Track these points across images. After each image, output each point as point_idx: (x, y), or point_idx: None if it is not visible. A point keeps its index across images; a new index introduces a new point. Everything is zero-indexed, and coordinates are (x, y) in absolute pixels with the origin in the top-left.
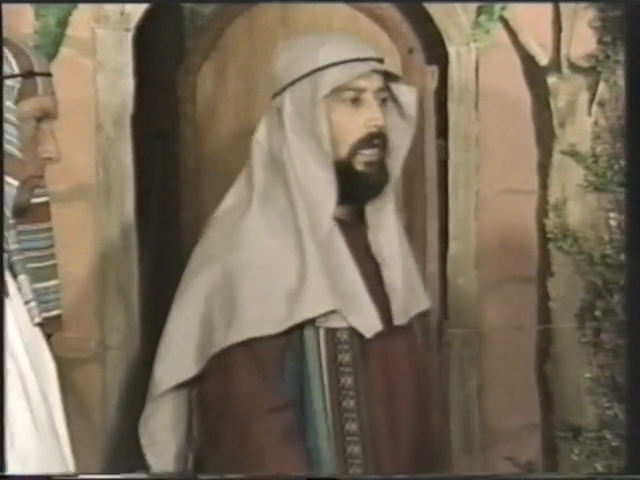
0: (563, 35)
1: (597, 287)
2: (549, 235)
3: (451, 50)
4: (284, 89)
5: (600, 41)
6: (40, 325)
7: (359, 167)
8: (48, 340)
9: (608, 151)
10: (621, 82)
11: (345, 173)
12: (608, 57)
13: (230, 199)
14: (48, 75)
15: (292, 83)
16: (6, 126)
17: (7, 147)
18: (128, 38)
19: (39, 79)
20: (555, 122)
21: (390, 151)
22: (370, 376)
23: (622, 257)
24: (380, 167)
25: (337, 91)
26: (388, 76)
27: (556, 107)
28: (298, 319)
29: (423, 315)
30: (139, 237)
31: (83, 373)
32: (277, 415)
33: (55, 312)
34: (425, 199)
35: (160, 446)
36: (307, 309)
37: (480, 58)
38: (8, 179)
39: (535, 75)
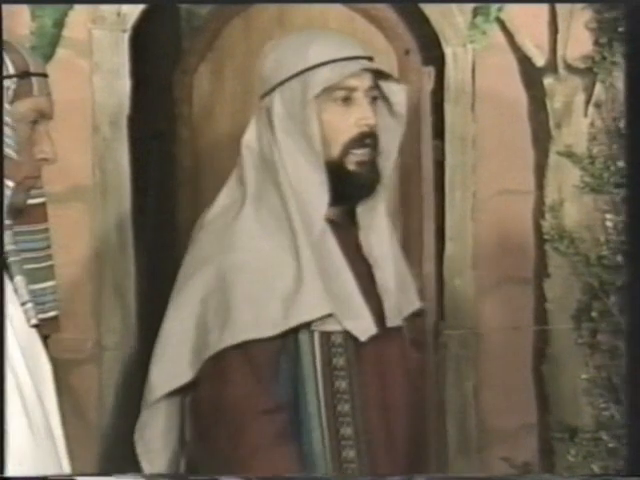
0: (559, 36)
1: (593, 288)
2: (545, 236)
3: (447, 51)
4: (273, 89)
5: (596, 42)
6: (36, 326)
7: (351, 167)
8: (45, 341)
9: (604, 152)
10: (617, 83)
11: (337, 173)
12: (604, 58)
13: (222, 200)
14: (44, 75)
15: (281, 83)
16: None
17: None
18: (124, 39)
19: (34, 79)
20: (551, 123)
21: (381, 150)
22: (364, 379)
23: (618, 258)
24: (371, 167)
25: (328, 90)
26: (378, 74)
27: (552, 108)
28: (294, 322)
29: (418, 315)
30: (136, 238)
31: (79, 374)
32: (270, 417)
33: (52, 313)
34: (421, 200)
35: (155, 453)
36: (304, 313)
37: (476, 59)
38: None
39: (531, 76)
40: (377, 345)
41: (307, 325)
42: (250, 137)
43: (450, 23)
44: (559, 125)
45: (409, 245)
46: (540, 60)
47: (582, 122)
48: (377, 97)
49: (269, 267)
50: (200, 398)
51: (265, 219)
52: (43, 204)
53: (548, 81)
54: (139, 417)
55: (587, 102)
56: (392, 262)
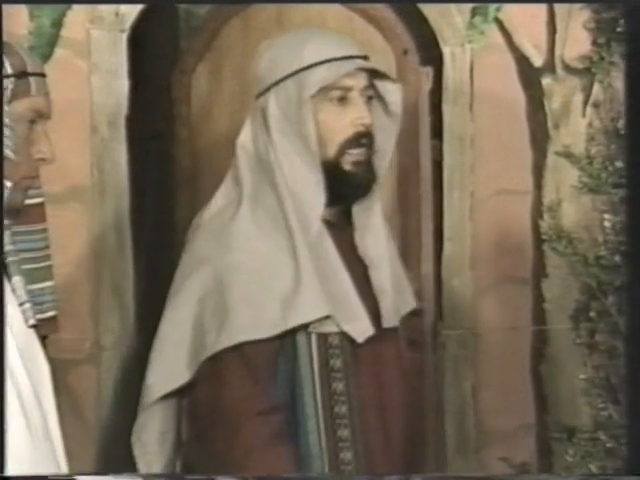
0: (557, 36)
1: (591, 288)
2: (544, 236)
3: (446, 51)
4: (268, 89)
5: (594, 42)
6: (34, 327)
7: (347, 167)
8: (43, 342)
9: (602, 152)
10: (616, 83)
11: (333, 173)
12: (602, 58)
13: (218, 201)
14: (41, 75)
15: (276, 83)
16: None
17: None
18: (123, 39)
19: (32, 79)
20: (549, 123)
21: (376, 150)
22: (361, 381)
23: (617, 258)
24: (367, 166)
25: (324, 90)
26: (373, 73)
27: (550, 108)
28: (292, 324)
29: (417, 315)
30: (134, 238)
31: (78, 374)
32: (265, 418)
33: (50, 313)
34: (420, 200)
35: (152, 455)
36: (301, 314)
37: (475, 59)
38: None
39: (529, 76)
40: (373, 346)
41: (305, 327)
42: (245, 137)
43: (448, 23)
44: (557, 125)
45: (407, 245)
46: (538, 60)
47: (580, 122)
48: (372, 96)
49: (266, 268)
50: (197, 400)
51: (262, 220)
52: (41, 204)
53: (546, 81)
54: (136, 419)
55: (585, 102)
56: (388, 262)
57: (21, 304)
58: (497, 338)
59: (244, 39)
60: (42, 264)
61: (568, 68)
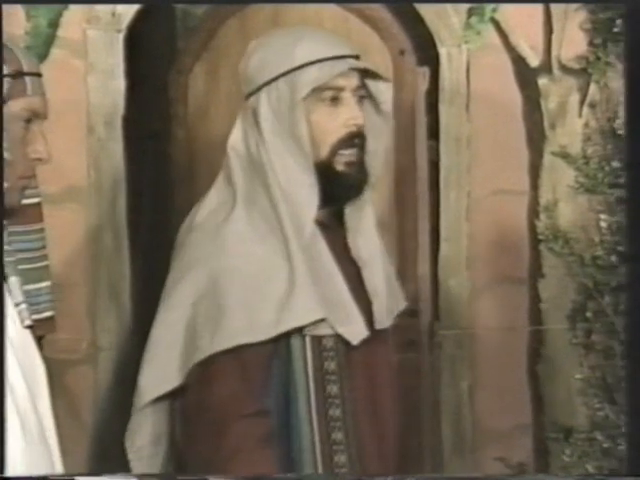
0: (554, 37)
1: (588, 288)
2: (540, 236)
3: (442, 51)
4: (259, 89)
5: (591, 43)
6: (30, 327)
7: (339, 168)
8: (39, 342)
9: (599, 152)
10: (612, 84)
11: (325, 174)
12: (599, 59)
13: (211, 202)
14: (37, 75)
15: (267, 83)
16: None
17: None
18: (119, 39)
19: (28, 79)
20: (546, 123)
21: (368, 150)
22: (354, 383)
23: (613, 259)
24: (360, 167)
25: (316, 91)
26: (364, 73)
27: (547, 108)
28: (287, 327)
29: (413, 316)
30: (131, 238)
31: (75, 374)
32: (253, 421)
33: (47, 314)
34: (416, 200)
35: (146, 460)
36: (296, 317)
37: (471, 59)
38: None
39: (526, 77)
40: (366, 348)
41: (299, 330)
42: (236, 138)
43: (445, 23)
44: (553, 125)
45: (404, 245)
46: (534, 60)
47: (576, 122)
48: (364, 96)
49: (261, 271)
50: (189, 403)
51: (256, 222)
52: (38, 204)
53: (542, 81)
54: (129, 422)
55: (581, 102)
56: (380, 263)
57: (17, 304)
58: (494, 338)
59: (241, 39)
60: (39, 264)
61: (564, 68)
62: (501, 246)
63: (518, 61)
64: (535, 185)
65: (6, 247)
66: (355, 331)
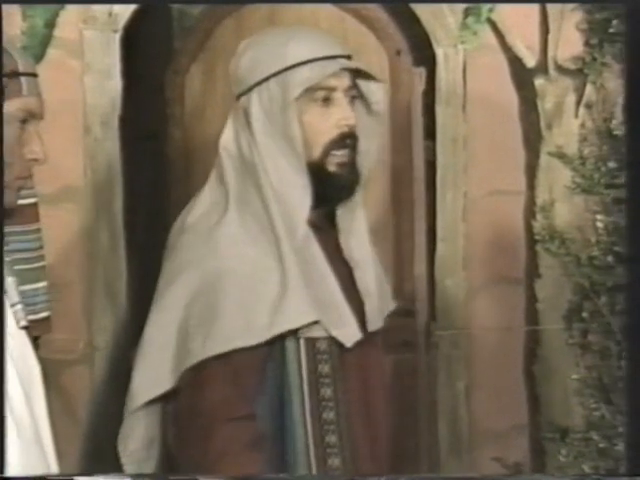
0: (550, 37)
1: (584, 289)
2: (536, 237)
3: (438, 52)
4: (250, 89)
5: (587, 43)
6: (26, 328)
7: (331, 168)
8: (35, 342)
9: (595, 153)
10: (608, 84)
11: (318, 175)
12: (595, 59)
13: (203, 203)
14: (33, 75)
15: (259, 83)
16: None
17: None
18: (116, 39)
19: (23, 79)
20: (542, 124)
21: (360, 151)
22: (348, 385)
23: (609, 259)
24: (351, 168)
25: (308, 91)
26: (356, 73)
27: (543, 109)
28: (280, 330)
29: (410, 316)
30: (127, 238)
31: (71, 374)
32: (241, 424)
33: (43, 314)
34: (413, 200)
35: (140, 463)
36: (289, 320)
37: (467, 60)
38: None
39: (522, 77)
40: (359, 350)
41: (294, 332)
42: (228, 138)
43: (441, 24)
44: (550, 126)
45: (400, 245)
46: (531, 61)
47: (573, 123)
48: (356, 96)
49: (254, 274)
50: (180, 406)
51: (249, 224)
52: (35, 204)
53: (539, 82)
54: (121, 426)
55: (578, 103)
56: (372, 264)
57: (12, 305)
58: (490, 338)
59: (237, 39)
60: (35, 264)
61: (561, 69)
62: (497, 246)
63: (514, 61)
64: (531, 185)
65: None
66: (349, 333)
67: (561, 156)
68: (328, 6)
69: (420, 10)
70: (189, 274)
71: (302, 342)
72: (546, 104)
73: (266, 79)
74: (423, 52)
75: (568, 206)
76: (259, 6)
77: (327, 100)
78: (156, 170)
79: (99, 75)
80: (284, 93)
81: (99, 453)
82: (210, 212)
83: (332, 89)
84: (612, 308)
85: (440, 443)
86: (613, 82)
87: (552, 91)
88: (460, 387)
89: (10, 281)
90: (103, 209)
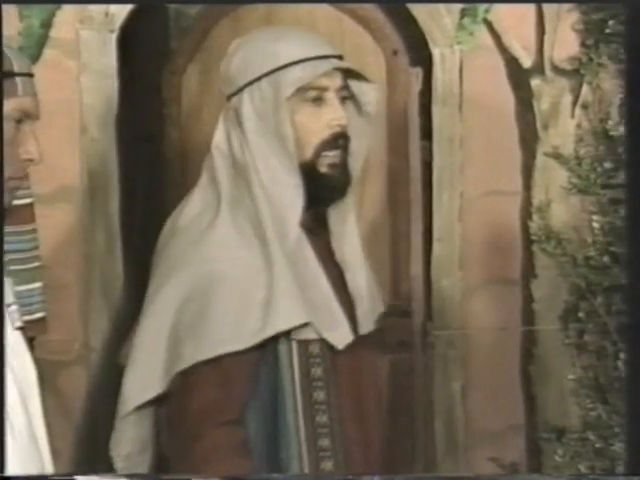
0: (546, 38)
1: (580, 289)
2: (533, 237)
3: (435, 52)
4: (241, 89)
5: (583, 44)
6: (21, 329)
7: (323, 169)
8: (30, 343)
9: (591, 153)
10: (604, 85)
11: (309, 176)
12: (591, 60)
13: (195, 204)
14: (29, 75)
15: (250, 83)
16: None
17: None
18: (112, 39)
19: (19, 79)
20: (538, 124)
21: (351, 152)
22: (341, 389)
23: (605, 259)
24: (343, 169)
25: (300, 91)
26: (348, 73)
27: (539, 109)
28: (269, 333)
29: (406, 316)
30: (123, 239)
31: (67, 375)
32: (228, 429)
33: (39, 315)
34: (409, 200)
35: (133, 468)
36: (279, 322)
37: (464, 60)
38: None
39: (519, 77)
40: (351, 353)
41: (286, 335)
42: (219, 139)
43: (438, 24)
44: (546, 126)
45: (397, 246)
46: (527, 61)
47: (569, 123)
48: (347, 97)
49: (246, 277)
50: (171, 410)
51: (241, 226)
52: (30, 205)
53: (535, 82)
54: (113, 430)
55: (574, 103)
56: (364, 267)
57: (7, 306)
58: (486, 338)
59: (234, 39)
60: (31, 265)
61: (557, 69)
62: (494, 246)
63: (511, 62)
64: (528, 186)
65: None
66: (340, 336)
67: (557, 156)
68: (325, 6)
69: (417, 10)
70: (181, 277)
71: (295, 345)
72: (542, 104)
73: (258, 79)
74: (420, 52)
75: (564, 206)
76: (256, 6)
77: (319, 100)
78: (153, 170)
79: (96, 75)
80: (276, 93)
81: (95, 453)
82: (202, 214)
83: (324, 89)
84: (608, 308)
85: (436, 443)
86: (609, 82)
87: (548, 91)
88: (456, 387)
89: (5, 282)
90: (99, 209)
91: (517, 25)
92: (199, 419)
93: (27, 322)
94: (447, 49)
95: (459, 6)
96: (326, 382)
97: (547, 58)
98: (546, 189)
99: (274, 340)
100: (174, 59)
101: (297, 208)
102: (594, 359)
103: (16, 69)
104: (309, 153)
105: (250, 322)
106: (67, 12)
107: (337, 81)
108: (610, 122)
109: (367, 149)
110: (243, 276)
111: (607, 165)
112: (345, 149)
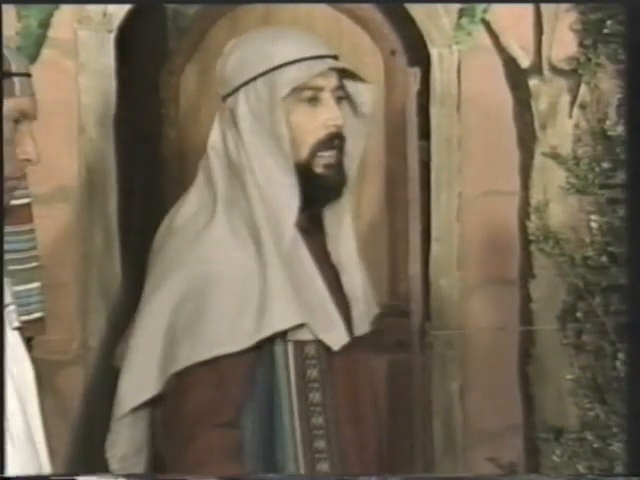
0: (544, 38)
1: (578, 289)
2: (531, 237)
3: (433, 52)
4: (237, 90)
5: (581, 44)
6: (19, 329)
7: (318, 170)
8: (29, 343)
9: (589, 153)
10: (602, 85)
11: (305, 176)
12: (589, 60)
13: (190, 204)
14: (27, 75)
15: (245, 83)
16: None
17: None
18: (110, 39)
19: (16, 79)
20: (536, 124)
21: (346, 152)
22: (336, 390)
23: (603, 259)
24: (338, 169)
25: (295, 91)
26: (343, 74)
27: (537, 109)
28: (264, 334)
29: (405, 316)
30: (121, 239)
31: (65, 375)
32: (222, 431)
33: (37, 315)
34: (407, 201)
35: (129, 470)
36: (275, 323)
37: (462, 60)
38: None
39: (517, 77)
40: (347, 354)
41: (282, 336)
42: (215, 139)
43: (436, 24)
44: (544, 126)
45: (395, 246)
46: (525, 61)
47: (567, 123)
48: (342, 97)
49: (242, 278)
50: (166, 412)
51: (237, 226)
52: (28, 205)
53: (533, 82)
54: (109, 432)
55: (572, 103)
56: (359, 268)
57: (5, 306)
58: (484, 338)
59: (232, 40)
60: (29, 265)
61: (555, 69)
62: (492, 246)
63: (509, 62)
64: (526, 186)
65: None
66: (336, 337)
67: (555, 156)
68: (323, 6)
69: (415, 10)
70: (176, 278)
71: (291, 347)
72: (540, 104)
73: (253, 79)
74: (418, 52)
75: (562, 206)
76: (254, 6)
77: (314, 100)
78: (151, 170)
79: (94, 75)
80: (271, 93)
81: (92, 453)
82: (198, 213)
83: (319, 89)
84: (606, 308)
85: (434, 443)
86: (607, 82)
87: (546, 91)
88: (454, 387)
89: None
90: (97, 209)
91: (515, 25)
92: (194, 420)
93: (25, 322)
94: (445, 49)
95: (457, 6)
96: (322, 383)
97: (545, 58)
98: (544, 189)
99: (270, 341)
100: (172, 59)
101: (293, 208)
102: (592, 359)
103: (14, 69)
104: (305, 153)
105: (246, 323)
106: (65, 12)
107: (333, 81)
108: (608, 122)
109: (363, 149)
110: (239, 276)
111: (605, 165)
112: (341, 149)
